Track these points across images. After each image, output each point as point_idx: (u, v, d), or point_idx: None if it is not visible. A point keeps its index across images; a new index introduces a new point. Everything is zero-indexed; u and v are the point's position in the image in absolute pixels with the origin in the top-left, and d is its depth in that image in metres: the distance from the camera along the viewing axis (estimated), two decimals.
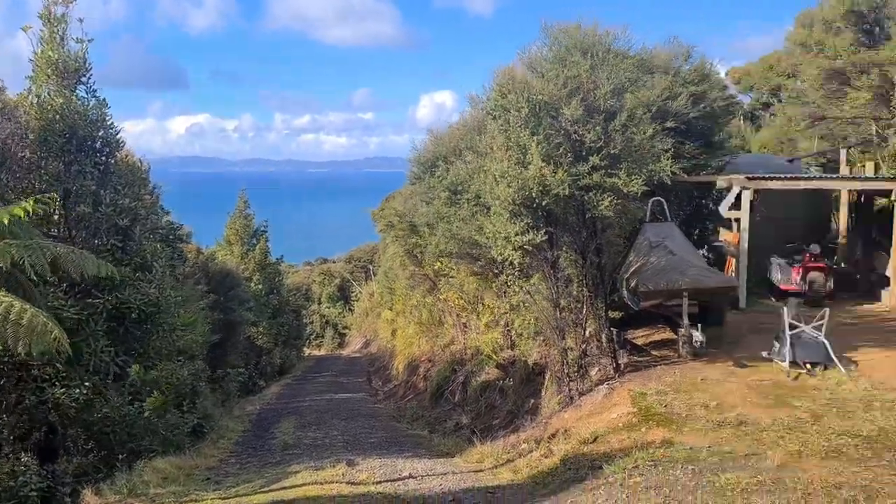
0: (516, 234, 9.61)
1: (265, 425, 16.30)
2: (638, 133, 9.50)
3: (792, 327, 10.59)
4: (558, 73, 9.52)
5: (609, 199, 9.46)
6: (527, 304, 11.18)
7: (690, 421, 8.29)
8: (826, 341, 10.38)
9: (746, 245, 15.95)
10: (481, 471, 9.16)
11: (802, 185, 15.60)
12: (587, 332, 10.49)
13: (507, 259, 10.16)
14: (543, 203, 9.42)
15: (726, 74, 40.14)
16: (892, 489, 6.28)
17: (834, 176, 18.33)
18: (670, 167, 9.62)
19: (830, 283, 16.47)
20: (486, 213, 10.26)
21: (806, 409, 8.41)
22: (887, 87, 14.58)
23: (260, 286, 33.30)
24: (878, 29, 15.61)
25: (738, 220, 16.00)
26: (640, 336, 13.37)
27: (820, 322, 10.57)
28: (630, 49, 10.15)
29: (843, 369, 9.97)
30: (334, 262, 73.75)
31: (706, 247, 19.24)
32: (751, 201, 16.23)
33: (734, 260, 16.42)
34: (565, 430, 9.18)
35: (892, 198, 15.05)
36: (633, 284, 11.66)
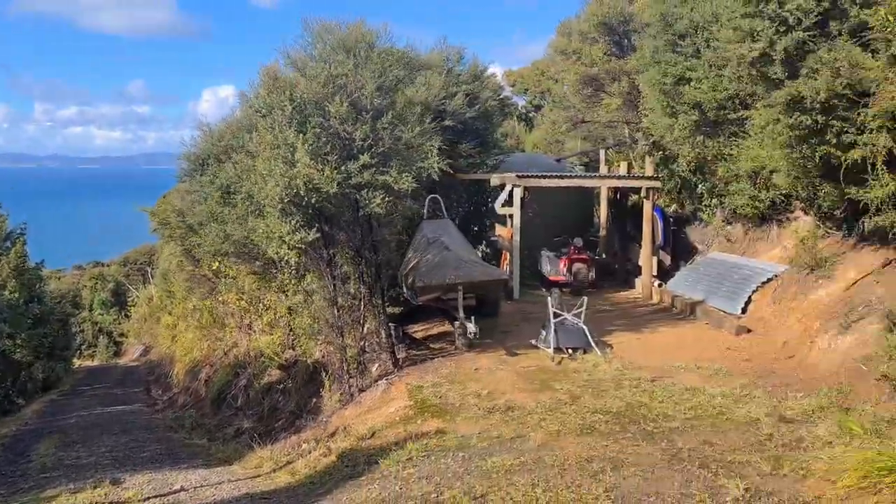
0: (288, 234, 9.43)
1: (20, 448, 14.71)
2: (405, 131, 9.66)
3: (555, 316, 11.36)
4: (322, 71, 9.46)
5: (381, 196, 9.56)
6: (306, 304, 11.02)
7: (463, 410, 8.58)
8: (585, 327, 11.24)
9: (519, 240, 16.90)
10: (259, 476, 8.89)
11: (565, 182, 16.80)
12: (365, 329, 10.55)
13: (282, 258, 9.95)
14: (313, 201, 9.32)
15: (503, 77, 42.42)
16: (635, 458, 6.91)
17: (593, 175, 19.95)
18: (439, 164, 9.88)
19: (593, 274, 17.91)
20: (260, 212, 9.96)
21: (566, 392, 9.03)
22: (635, 93, 16.10)
23: (16, 294, 30.01)
24: (626, 41, 17.22)
25: (510, 216, 16.92)
26: (420, 330, 13.70)
27: (579, 310, 11.43)
28: (394, 47, 10.24)
29: (599, 352, 10.84)
30: (107, 265, 68.44)
31: (485, 242, 20.13)
32: (521, 198, 17.22)
33: (509, 254, 17.35)
34: (345, 428, 9.17)
35: (642, 194, 16.64)
36: (410, 280, 11.92)
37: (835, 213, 11.56)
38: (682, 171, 15.43)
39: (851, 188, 9.26)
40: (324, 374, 10.89)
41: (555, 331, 11.13)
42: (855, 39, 8.69)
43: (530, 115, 36.70)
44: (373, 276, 10.74)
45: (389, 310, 12.22)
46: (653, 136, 15.02)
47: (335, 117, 9.34)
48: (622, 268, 19.14)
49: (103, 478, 9.68)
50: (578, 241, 17.81)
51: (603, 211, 20.54)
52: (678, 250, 17.41)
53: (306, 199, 9.38)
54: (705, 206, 15.87)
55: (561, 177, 16.94)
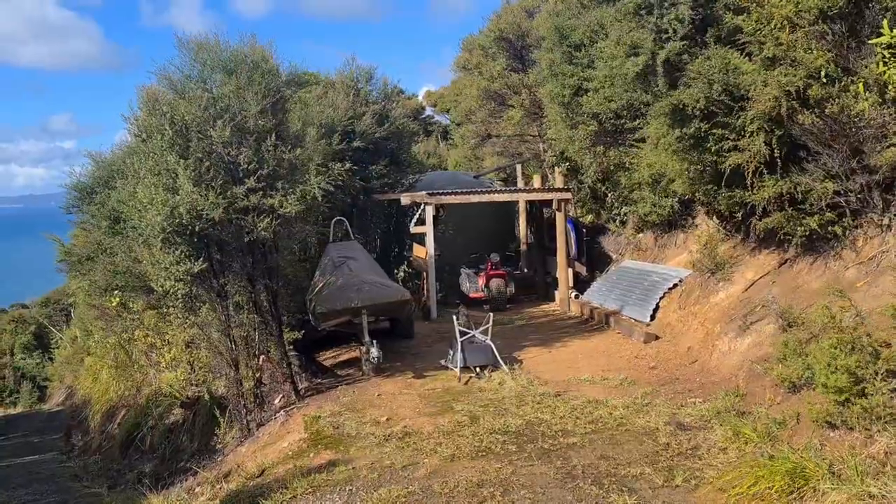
0: (171, 265, 8.98)
1: None
2: (286, 152, 9.33)
3: (462, 334, 11.13)
4: (203, 94, 9.09)
5: (267, 220, 9.19)
6: (201, 337, 10.53)
7: (359, 439, 8.24)
8: (492, 344, 11.03)
9: (434, 258, 16.69)
10: None
11: (476, 198, 16.67)
12: (260, 361, 10.11)
13: (168, 291, 9.48)
14: (197, 229, 8.90)
15: (424, 97, 42.46)
16: (528, 479, 6.69)
17: (504, 189, 19.90)
18: (321, 185, 9.55)
19: (512, 288, 17.80)
20: (147, 242, 9.48)
21: (466, 413, 8.77)
22: (536, 106, 16.12)
23: None
24: (525, 55, 17.26)
25: (425, 234, 16.70)
26: (330, 356, 13.31)
27: (486, 326, 11.22)
28: (280, 67, 9.92)
29: (507, 369, 10.63)
30: (29, 306, 65.65)
31: (406, 263, 19.89)
32: (435, 216, 17.03)
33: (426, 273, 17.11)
34: (238, 466, 8.70)
35: (553, 206, 16.62)
36: (312, 306, 11.54)
37: (735, 215, 11.68)
38: (591, 182, 15.47)
39: (737, 192, 9.31)
40: (217, 410, 10.38)
41: (461, 349, 10.89)
42: (730, 45, 8.76)
43: (451, 133, 36.76)
44: (269, 304, 10.33)
45: (295, 336, 11.76)
46: (557, 147, 15.01)
47: (218, 141, 8.95)
48: (542, 281, 19.10)
49: None
50: (495, 257, 17.69)
51: (522, 225, 20.52)
52: (594, 260, 17.44)
53: (190, 227, 8.95)
54: (615, 215, 15.94)
55: (472, 192, 16.80)
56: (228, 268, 10.03)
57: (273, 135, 9.17)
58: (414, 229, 17.33)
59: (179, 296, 9.54)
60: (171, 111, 9.11)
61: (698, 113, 8.75)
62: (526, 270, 20.02)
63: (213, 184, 8.92)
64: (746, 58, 8.67)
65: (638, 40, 9.37)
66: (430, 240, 16.52)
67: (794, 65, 8.07)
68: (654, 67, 9.28)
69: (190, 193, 8.81)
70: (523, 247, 20.55)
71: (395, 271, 20.78)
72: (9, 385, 55.14)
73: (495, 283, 17.30)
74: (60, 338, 52.85)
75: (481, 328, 11.27)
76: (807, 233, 9.19)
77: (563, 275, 16.56)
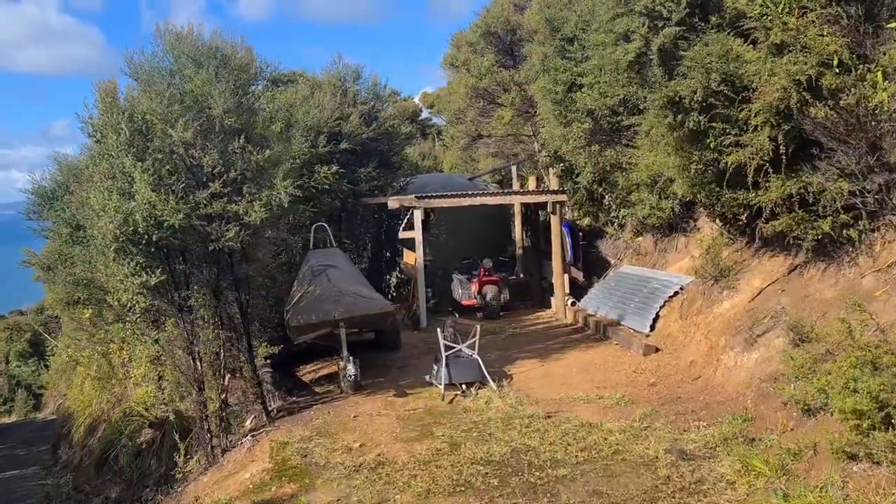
0: (126, 277, 8.22)
1: None
2: (254, 153, 8.56)
3: (448, 348, 10.36)
4: (168, 87, 8.33)
5: (235, 228, 8.42)
6: (165, 355, 9.76)
7: (327, 470, 7.47)
8: (479, 359, 10.25)
9: (423, 264, 15.92)
10: None
11: (468, 201, 15.87)
12: (226, 380, 9.34)
13: (125, 305, 8.73)
14: (154, 238, 8.13)
15: (420, 99, 41.69)
16: None
17: (497, 192, 19.09)
18: (286, 189, 8.76)
19: (506, 295, 17.02)
20: (100, 252, 8.73)
21: (447, 438, 7.99)
22: (528, 104, 15.33)
23: None
24: (515, 50, 16.45)
25: (413, 239, 15.92)
26: (309, 370, 12.53)
27: (473, 340, 10.43)
28: (254, 63, 9.13)
29: (494, 386, 9.85)
30: (25, 313, 64.93)
31: (398, 269, 19.13)
32: (425, 220, 16.27)
33: (415, 280, 16.33)
34: (197, 499, 7.94)
35: (548, 209, 15.85)
36: (287, 318, 10.79)
37: (739, 218, 10.90)
38: (587, 183, 14.67)
39: (740, 193, 8.54)
40: (178, 433, 9.60)
41: (446, 365, 10.11)
42: (733, 31, 7.99)
43: (444, 135, 36.02)
44: (237, 319, 9.56)
45: (271, 351, 10.97)
46: (551, 147, 14.24)
47: (179, 141, 8.18)
48: (538, 287, 18.30)
49: None
50: (488, 262, 16.88)
51: (518, 229, 19.74)
52: (592, 265, 16.65)
53: (147, 235, 8.18)
54: (613, 218, 15.15)
55: (463, 195, 15.99)
56: (192, 279, 9.27)
57: (242, 135, 8.39)
58: (402, 234, 16.54)
59: (138, 310, 8.78)
60: (130, 107, 8.35)
61: (696, 105, 7.97)
62: (522, 276, 19.21)
63: (173, 188, 8.15)
64: (751, 45, 7.88)
65: (629, 26, 8.57)
66: (418, 245, 15.74)
67: (804, 52, 7.29)
68: (649, 56, 8.49)
69: (147, 199, 8.05)
70: (519, 251, 19.74)
71: (388, 277, 20.00)
72: (3, 393, 54.43)
73: (488, 289, 16.50)
74: (55, 345, 52.12)
75: (468, 341, 10.48)
76: (818, 237, 8.39)
77: (559, 281, 15.78)
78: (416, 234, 15.68)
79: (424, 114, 40.48)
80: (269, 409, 9.59)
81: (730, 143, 8.02)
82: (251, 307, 10.15)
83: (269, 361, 11.20)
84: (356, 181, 17.65)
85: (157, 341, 9.39)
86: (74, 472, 18.08)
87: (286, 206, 8.87)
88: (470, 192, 16.31)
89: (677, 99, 8.12)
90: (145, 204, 8.07)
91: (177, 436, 9.49)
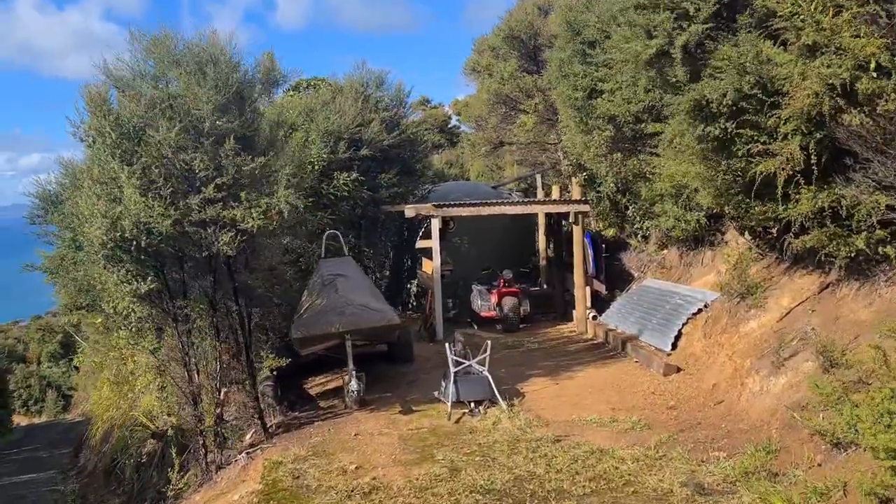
0: (116, 284, 7.90)
1: None
2: (246, 159, 8.19)
3: (457, 364, 9.89)
4: (148, 90, 8.01)
5: (229, 235, 8.05)
6: (162, 366, 9.43)
7: (319, 494, 7.04)
8: (489, 376, 9.76)
9: (441, 274, 15.46)
10: None
11: (486, 210, 15.38)
12: (222, 394, 8.96)
13: (121, 314, 8.43)
14: (143, 244, 7.81)
15: (450, 107, 41.31)
16: None
17: (518, 201, 18.57)
18: (289, 197, 8.35)
19: (527, 307, 16.49)
20: (92, 258, 8.43)
21: (447, 462, 7.52)
22: (551, 112, 14.82)
23: None
24: (538, 55, 15.93)
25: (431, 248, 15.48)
26: (318, 383, 12.15)
27: (483, 356, 9.94)
28: (242, 62, 8.74)
29: (504, 405, 9.35)
30: (56, 314, 65.73)
31: (419, 278, 18.74)
32: (443, 229, 15.83)
33: (433, 291, 15.87)
34: None
35: (570, 219, 15.31)
36: (291, 329, 10.40)
37: (770, 231, 10.30)
38: (610, 193, 14.12)
39: (769, 205, 7.96)
40: (174, 448, 9.26)
41: (454, 382, 9.64)
42: (761, 31, 7.43)
43: (462, 141, 35.58)
44: (236, 329, 9.20)
45: (278, 363, 10.58)
46: (572, 155, 13.72)
47: (167, 144, 7.85)
48: (561, 299, 17.73)
49: None
50: (507, 273, 16.35)
51: (541, 239, 19.22)
52: (615, 278, 16.08)
53: (136, 241, 7.85)
54: (637, 229, 14.57)
55: (483, 204, 15.51)
56: (189, 288, 8.93)
57: (231, 138, 8.02)
58: (419, 243, 16.12)
59: (133, 319, 8.46)
60: (116, 112, 8.04)
61: (725, 110, 7.40)
62: (545, 287, 18.67)
63: (161, 192, 7.81)
64: (781, 47, 7.32)
65: (652, 21, 8.02)
66: (435, 254, 15.29)
67: (838, 54, 6.72)
68: (671, 54, 7.94)
69: (135, 203, 7.72)
70: (543, 262, 19.22)
71: (408, 286, 19.62)
72: (34, 394, 55.05)
73: (508, 301, 15.99)
74: (86, 346, 52.54)
75: (478, 357, 10.00)
76: (852, 253, 7.78)
77: (581, 294, 15.21)
78: (434, 242, 15.24)
79: (454, 121, 40.10)
80: (268, 424, 9.20)
81: (758, 152, 7.45)
82: (254, 317, 9.82)
83: (274, 373, 10.85)
84: (376, 188, 17.29)
85: (153, 351, 9.03)
86: (87, 478, 17.94)
87: (286, 215, 8.46)
88: (489, 202, 15.82)
89: (704, 102, 7.57)
90: (133, 209, 7.75)
91: (174, 450, 9.15)
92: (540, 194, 20.14)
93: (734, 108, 7.41)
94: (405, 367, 12.62)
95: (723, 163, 8.24)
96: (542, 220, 18.84)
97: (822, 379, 6.89)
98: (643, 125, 10.93)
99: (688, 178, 9.32)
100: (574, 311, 15.90)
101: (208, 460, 8.74)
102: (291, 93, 21.58)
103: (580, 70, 11.67)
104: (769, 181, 7.83)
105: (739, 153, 7.60)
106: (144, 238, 7.77)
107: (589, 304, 15.21)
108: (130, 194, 7.72)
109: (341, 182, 16.59)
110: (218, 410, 8.82)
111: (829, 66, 6.75)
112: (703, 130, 7.80)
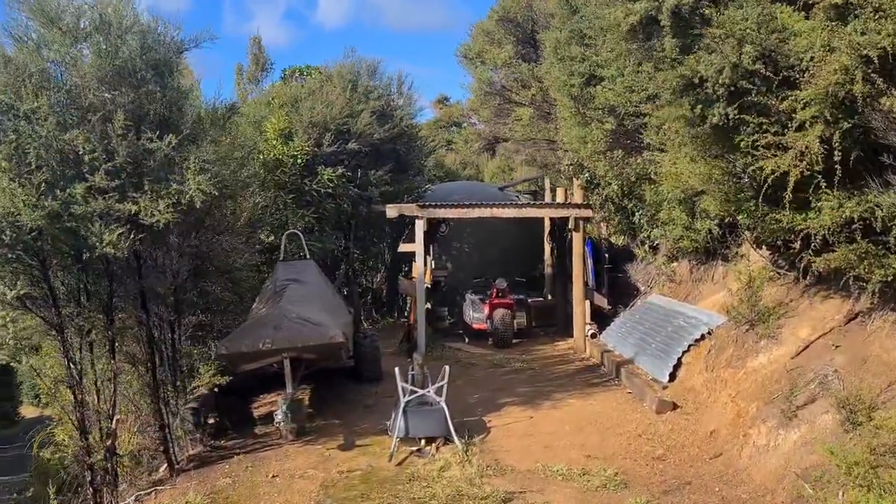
0: None
1: None
2: (146, 142, 6.75)
3: (410, 392, 8.37)
4: (22, 56, 6.61)
5: (119, 231, 6.63)
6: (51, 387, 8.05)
7: None
8: (446, 408, 8.21)
9: (423, 281, 13.92)
10: None
11: (476, 213, 13.77)
12: (114, 423, 7.53)
13: None
14: (9, 240, 6.42)
15: (467, 104, 39.76)
16: None
17: (512, 204, 16.90)
18: (199, 186, 6.89)
19: (522, 320, 14.93)
20: None
21: None
22: (549, 104, 13.17)
23: None
24: (537, 40, 14.26)
25: (424, 254, 13.96)
26: (266, 404, 10.69)
27: (440, 384, 8.40)
28: (160, 28, 7.31)
29: (459, 445, 7.80)
30: None
31: (398, 285, 17.29)
32: (432, 232, 14.33)
33: (417, 299, 14.33)
34: None
35: (570, 225, 13.70)
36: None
37: (792, 246, 8.61)
38: (614, 196, 12.49)
39: (784, 213, 6.33)
40: (49, 487, 7.86)
41: (403, 413, 8.13)
42: None
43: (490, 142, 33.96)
44: (143, 343, 7.80)
45: (217, 380, 9.10)
46: (571, 152, 12.12)
47: (41, 120, 6.45)
48: (563, 312, 16.07)
49: None
50: (501, 282, 14.72)
51: (547, 246, 17.61)
52: (619, 291, 14.41)
53: None
54: (644, 238, 12.91)
55: (472, 206, 13.92)
56: (93, 295, 7.55)
57: (120, 112, 6.60)
58: (402, 247, 14.60)
59: (10, 328, 7.08)
60: None
61: (721, 90, 5.79)
62: (550, 297, 17.05)
63: (32, 178, 6.41)
64: (800, 13, 5.70)
65: None
66: (419, 259, 13.76)
67: (876, 17, 5.10)
68: (660, 21, 6.32)
69: (5, 191, 6.34)
70: (548, 270, 17.59)
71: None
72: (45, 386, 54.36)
73: (499, 313, 14.39)
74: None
75: (434, 385, 8.46)
76: (889, 277, 6.12)
77: (580, 308, 13.58)
78: (417, 247, 13.71)
79: (472, 120, 38.53)
80: (174, 460, 7.76)
81: (766, 144, 5.82)
82: (186, 328, 8.46)
83: (216, 390, 9.40)
84: (366, 186, 15.88)
85: (32, 367, 7.68)
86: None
87: (198, 206, 7.02)
88: (479, 203, 14.22)
89: (697, 80, 5.97)
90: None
91: (51, 490, 7.78)
92: (548, 197, 18.56)
93: (734, 87, 5.78)
94: (371, 386, 11.14)
95: (727, 159, 6.63)
96: (547, 226, 17.26)
97: (842, 441, 5.29)
98: (647, 117, 9.31)
99: (689, 177, 7.70)
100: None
101: (96, 501, 7.32)
102: (281, 82, 20.30)
103: (577, 52, 10.08)
104: (784, 183, 6.21)
105: (742, 145, 5.98)
106: (9, 233, 6.37)
107: (589, 319, 13.58)
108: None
109: (325, 178, 15.20)
110: (108, 442, 7.39)
111: (864, 33, 5.13)
112: (696, 116, 6.18)
